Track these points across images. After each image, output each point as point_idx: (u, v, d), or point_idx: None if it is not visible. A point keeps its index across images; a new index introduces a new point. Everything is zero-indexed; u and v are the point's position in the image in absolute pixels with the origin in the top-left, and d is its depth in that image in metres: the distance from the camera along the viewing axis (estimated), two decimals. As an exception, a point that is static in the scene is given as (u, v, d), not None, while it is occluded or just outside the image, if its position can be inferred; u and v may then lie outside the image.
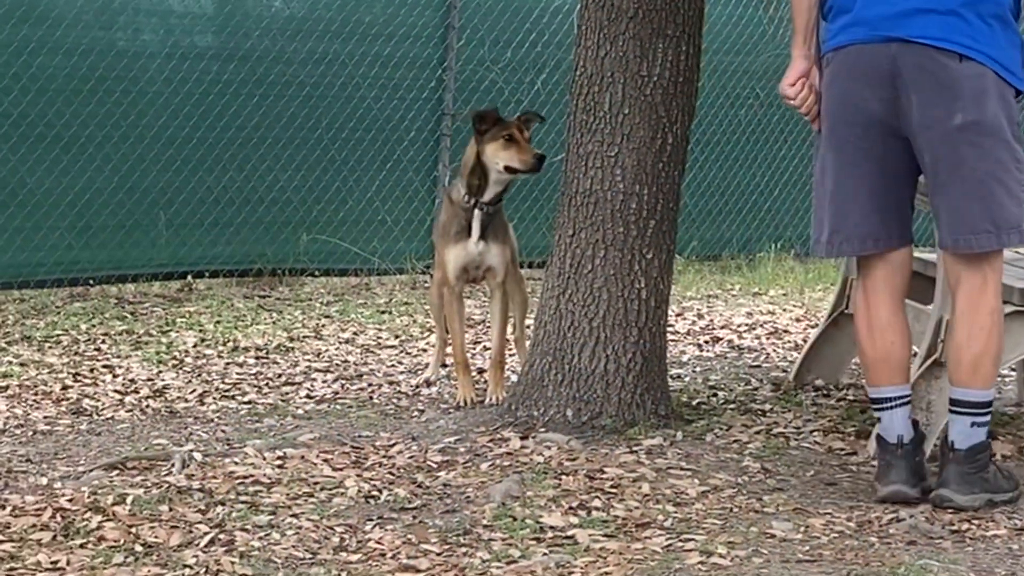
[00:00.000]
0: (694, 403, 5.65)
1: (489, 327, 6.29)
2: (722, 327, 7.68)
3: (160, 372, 6.33)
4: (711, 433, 5.18)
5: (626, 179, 5.08)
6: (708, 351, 7.02)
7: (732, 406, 5.61)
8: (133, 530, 4.03)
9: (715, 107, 10.25)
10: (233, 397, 5.91)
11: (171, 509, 4.22)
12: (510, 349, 6.01)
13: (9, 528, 4.06)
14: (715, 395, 5.84)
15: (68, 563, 3.81)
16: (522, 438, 5.00)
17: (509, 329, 5.91)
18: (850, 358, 6.06)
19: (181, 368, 6.42)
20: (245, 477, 4.56)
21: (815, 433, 5.28)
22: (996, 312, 4.37)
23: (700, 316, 8.03)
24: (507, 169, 5.66)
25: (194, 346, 6.89)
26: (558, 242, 5.21)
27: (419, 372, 6.31)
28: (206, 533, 4.05)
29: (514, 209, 9.31)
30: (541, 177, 8.84)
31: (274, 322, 7.55)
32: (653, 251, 5.13)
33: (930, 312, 4.92)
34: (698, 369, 6.50)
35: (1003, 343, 4.42)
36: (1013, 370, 6.19)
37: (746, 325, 7.76)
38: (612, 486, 4.52)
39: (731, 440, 5.12)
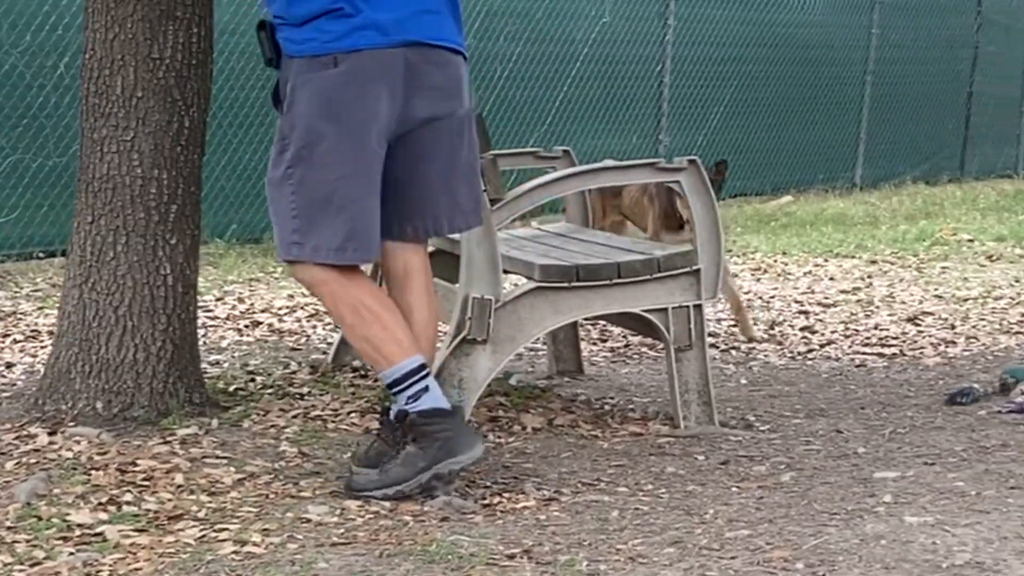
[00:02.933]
0: (231, 389, 5.58)
1: None
2: (263, 310, 7.63)
3: None
4: (248, 419, 5.12)
5: (144, 164, 4.97)
6: (248, 335, 6.96)
7: (270, 391, 5.56)
8: None
9: (245, 88, 10.15)
10: None
11: None
12: None
13: None
14: (253, 380, 5.79)
15: None
16: (50, 433, 4.83)
17: None
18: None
19: None
20: None
21: (352, 415, 5.29)
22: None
23: (241, 300, 7.96)
24: None
25: None
26: (77, 230, 5.05)
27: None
28: None
29: (31, 195, 9.01)
30: (58, 163, 8.66)
31: None
32: (177, 236, 5.03)
33: (457, 290, 5.00)
34: (237, 354, 6.44)
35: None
36: (544, 344, 6.37)
37: (287, 308, 7.73)
38: (144, 479, 4.41)
39: (268, 425, 5.08)
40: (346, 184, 4.26)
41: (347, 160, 4.26)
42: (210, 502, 4.24)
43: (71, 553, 3.79)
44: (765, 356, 6.96)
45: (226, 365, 6.15)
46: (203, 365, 5.49)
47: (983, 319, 7.79)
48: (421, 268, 4.52)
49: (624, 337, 7.21)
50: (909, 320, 7.78)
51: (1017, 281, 9.10)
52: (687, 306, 5.20)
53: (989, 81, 17.40)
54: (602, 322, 7.09)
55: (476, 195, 4.52)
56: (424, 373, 4.36)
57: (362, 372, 5.87)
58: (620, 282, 5.08)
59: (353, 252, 4.30)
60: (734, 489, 4.45)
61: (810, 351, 7.09)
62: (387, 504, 4.26)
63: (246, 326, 7.21)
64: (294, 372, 5.98)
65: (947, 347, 7.08)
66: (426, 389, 4.34)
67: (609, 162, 5.75)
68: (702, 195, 5.21)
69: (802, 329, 7.63)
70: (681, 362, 5.24)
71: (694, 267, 5.18)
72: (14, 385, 5.66)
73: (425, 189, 4.43)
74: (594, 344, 7.04)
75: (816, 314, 8.07)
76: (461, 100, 4.41)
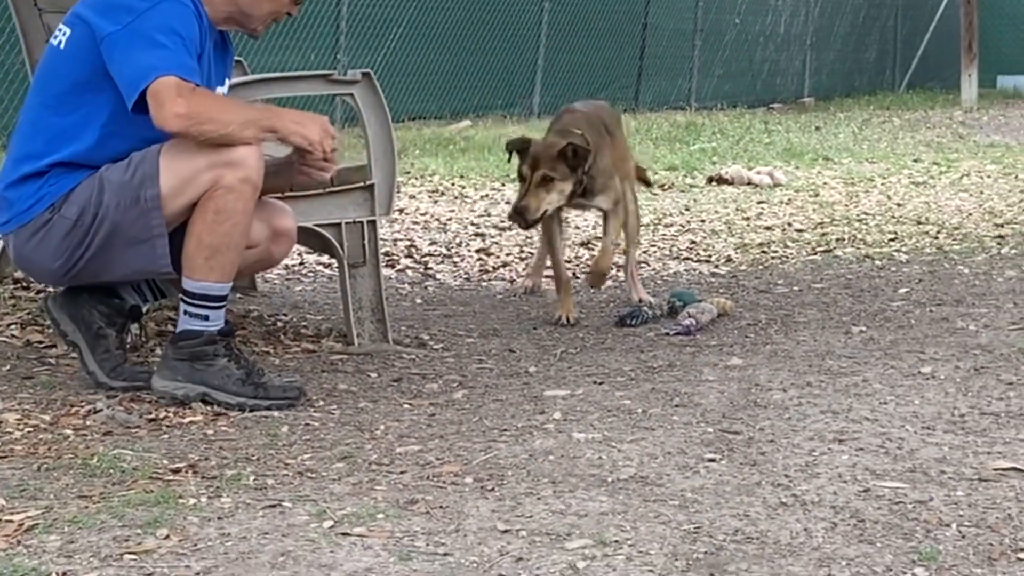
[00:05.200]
0: None
1: None
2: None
3: None
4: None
5: None
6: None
7: (-76, 302, 5.32)
8: None
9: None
10: None
11: None
12: None
13: None
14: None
15: None
16: None
17: None
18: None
19: None
20: None
21: (12, 327, 5.11)
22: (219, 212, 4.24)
23: None
24: None
25: None
26: None
27: None
28: None
29: None
30: None
31: None
32: None
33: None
34: None
35: (229, 241, 4.25)
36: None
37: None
38: None
39: (-81, 338, 4.86)
40: None
41: None
42: None
43: None
44: (440, 277, 6.97)
45: None
46: None
47: (654, 245, 7.95)
48: None
49: (299, 255, 7.13)
50: (582, 244, 7.90)
51: (687, 209, 9.33)
52: (361, 222, 5.14)
53: (664, 13, 17.77)
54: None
55: None
56: None
57: (24, 284, 5.66)
58: (292, 196, 4.99)
59: None
60: (406, 406, 4.44)
61: (485, 273, 7.12)
62: (47, 418, 4.12)
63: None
64: (-48, 284, 5.73)
65: (618, 271, 7.20)
66: None
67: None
68: (376, 109, 5.13)
69: (478, 251, 7.67)
70: (355, 279, 5.19)
71: (368, 183, 5.12)
72: None
73: None
74: (268, 261, 6.92)
75: (492, 237, 8.12)
76: None
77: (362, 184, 5.12)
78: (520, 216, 5.52)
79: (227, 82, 4.52)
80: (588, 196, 5.76)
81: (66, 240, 4.24)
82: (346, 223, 5.12)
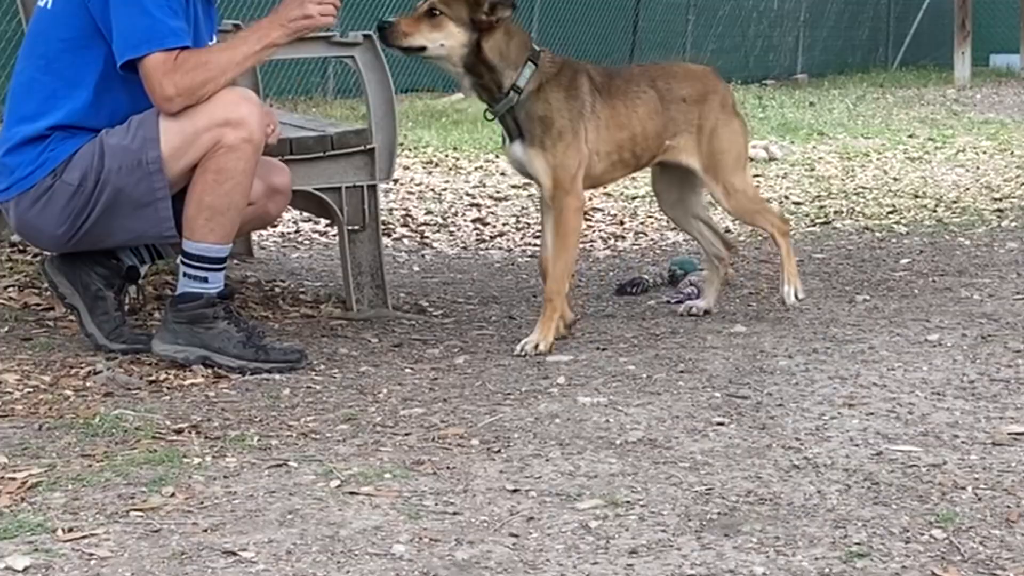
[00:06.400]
0: None
1: None
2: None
3: None
4: None
5: None
6: None
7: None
8: None
9: None
10: None
11: None
12: None
13: None
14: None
15: None
16: None
17: None
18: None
19: None
20: None
21: (10, 289, 5.06)
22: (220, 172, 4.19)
23: None
24: None
25: None
26: None
27: None
28: None
29: None
30: None
31: None
32: None
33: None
34: None
35: (229, 202, 4.20)
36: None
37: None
38: None
39: (-84, 300, 4.80)
40: None
41: None
42: None
43: None
44: (437, 245, 6.92)
45: None
46: None
47: (651, 216, 7.90)
48: None
49: (295, 223, 7.08)
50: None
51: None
52: (361, 186, 5.09)
53: (658, -13, 17.72)
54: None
55: None
56: None
57: (20, 247, 5.60)
58: (293, 159, 4.93)
59: None
60: (408, 370, 4.39)
61: (482, 242, 7.07)
62: (47, 379, 4.08)
63: None
64: (-53, 248, 5.67)
65: (616, 241, 7.17)
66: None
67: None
68: (378, 72, 5.07)
69: (474, 221, 7.62)
70: (354, 243, 5.14)
71: (368, 146, 5.06)
72: None
73: None
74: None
75: (488, 207, 8.07)
76: None
77: (362, 148, 5.06)
78: (380, 30, 4.53)
79: (215, 37, 4.47)
80: (523, 140, 4.75)
81: (69, 206, 4.19)
82: (346, 187, 5.07)
